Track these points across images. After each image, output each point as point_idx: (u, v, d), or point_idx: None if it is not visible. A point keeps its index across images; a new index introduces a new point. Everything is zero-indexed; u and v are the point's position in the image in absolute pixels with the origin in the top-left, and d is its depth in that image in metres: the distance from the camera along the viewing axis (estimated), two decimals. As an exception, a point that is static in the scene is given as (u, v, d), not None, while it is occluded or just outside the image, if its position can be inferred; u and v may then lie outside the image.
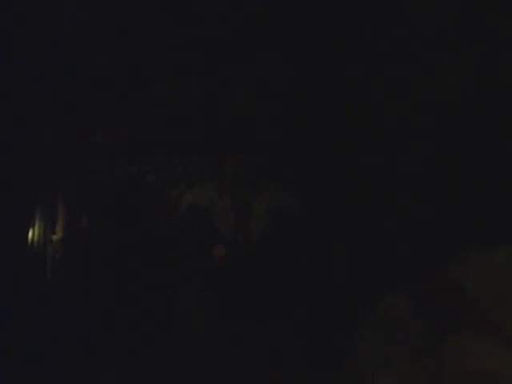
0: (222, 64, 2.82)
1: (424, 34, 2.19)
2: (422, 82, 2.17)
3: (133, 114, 3.05)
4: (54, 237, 2.97)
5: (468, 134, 1.93)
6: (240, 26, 2.72)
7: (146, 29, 2.76)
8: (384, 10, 2.33)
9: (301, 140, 2.64)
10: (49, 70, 2.60)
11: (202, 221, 2.52)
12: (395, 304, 1.36)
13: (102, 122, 3.05)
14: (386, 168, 2.18)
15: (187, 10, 2.69)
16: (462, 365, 1.09)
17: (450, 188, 1.89)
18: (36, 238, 2.89)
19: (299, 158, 2.65)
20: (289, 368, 1.89)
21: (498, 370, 1.07)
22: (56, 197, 3.01)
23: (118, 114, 3.05)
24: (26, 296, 2.34)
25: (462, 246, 1.53)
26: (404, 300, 1.35)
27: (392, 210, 2.06)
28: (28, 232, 2.82)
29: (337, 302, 2.06)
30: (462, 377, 1.09)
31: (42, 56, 2.55)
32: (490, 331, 1.13)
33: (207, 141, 3.03)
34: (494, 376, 1.06)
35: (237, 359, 1.94)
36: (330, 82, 2.55)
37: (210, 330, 2.08)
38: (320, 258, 2.29)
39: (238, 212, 2.56)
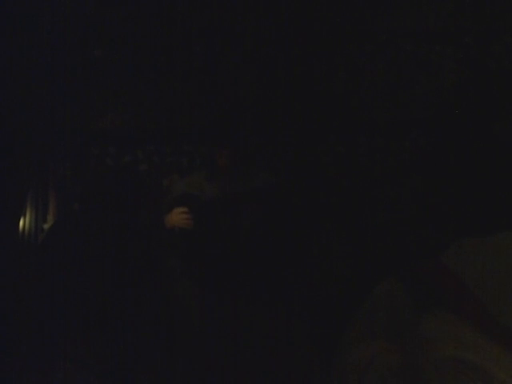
0: (218, 57, 2.81)
1: (422, 27, 2.19)
2: (420, 75, 2.18)
3: (126, 102, 3.04)
4: (46, 226, 2.96)
5: (465, 126, 1.93)
6: (237, 21, 2.72)
7: (145, 21, 2.75)
8: (383, 4, 2.33)
9: (295, 129, 2.64)
10: (44, 58, 2.59)
11: (192, 208, 2.52)
12: (388, 290, 1.35)
13: (95, 110, 3.04)
14: (383, 158, 2.19)
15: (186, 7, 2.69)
16: (438, 351, 1.09)
17: (445, 176, 1.89)
18: (27, 227, 2.88)
19: (293, 147, 2.65)
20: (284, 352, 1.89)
21: (478, 363, 1.06)
22: (47, 185, 2.99)
23: (112, 103, 3.04)
24: (18, 285, 2.33)
25: (457, 233, 1.54)
26: (397, 287, 1.35)
27: (388, 199, 2.07)
28: (19, 221, 2.80)
29: (330, 289, 2.06)
30: (437, 363, 1.08)
31: (38, 43, 2.54)
32: (481, 323, 1.12)
33: (200, 131, 3.03)
34: (473, 367, 1.05)
35: (231, 346, 1.95)
36: (325, 73, 2.55)
37: (204, 318, 2.09)
38: (313, 245, 2.29)
39: (228, 200, 2.56)
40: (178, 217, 2.49)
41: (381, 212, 2.09)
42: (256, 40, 2.73)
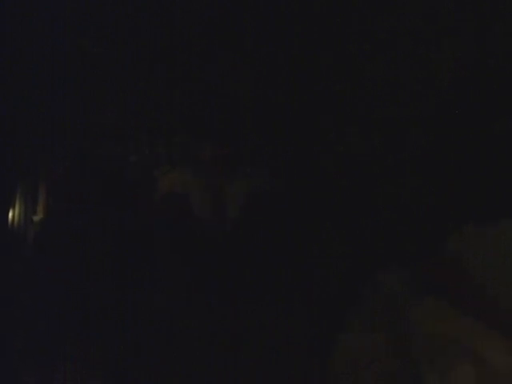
0: (216, 53, 2.79)
1: (421, 22, 2.18)
2: (419, 73, 2.17)
3: (118, 94, 3.01)
4: (35, 217, 2.92)
5: (465, 125, 1.93)
6: (236, 18, 2.69)
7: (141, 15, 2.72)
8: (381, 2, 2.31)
9: (293, 127, 2.62)
10: (36, 50, 2.56)
11: (178, 208, 2.49)
12: (386, 284, 1.35)
13: (86, 102, 3.01)
14: (383, 155, 2.17)
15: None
16: (425, 328, 1.09)
17: (447, 164, 1.89)
18: (16, 218, 2.84)
19: (291, 146, 2.63)
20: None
21: (461, 339, 1.06)
22: (37, 176, 2.96)
23: (104, 95, 3.01)
24: (6, 277, 2.31)
25: (460, 221, 1.53)
26: (395, 280, 1.34)
27: (387, 192, 2.06)
28: (8, 212, 2.77)
29: (329, 285, 2.05)
30: (424, 339, 1.08)
31: (33, 38, 2.51)
32: (483, 315, 1.12)
33: (186, 123, 3.00)
34: (456, 342, 1.05)
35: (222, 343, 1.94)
36: (324, 71, 2.53)
37: (203, 317, 2.07)
38: (305, 242, 2.27)
39: (213, 197, 2.54)
40: None
41: (380, 206, 2.08)
42: (255, 36, 2.70)
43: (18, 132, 2.61)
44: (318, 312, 1.91)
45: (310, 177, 2.42)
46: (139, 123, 3.07)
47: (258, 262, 2.15)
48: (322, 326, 1.82)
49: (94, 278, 2.12)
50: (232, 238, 2.35)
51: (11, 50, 2.39)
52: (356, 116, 2.30)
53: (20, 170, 2.76)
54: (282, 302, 1.97)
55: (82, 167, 2.79)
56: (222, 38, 2.72)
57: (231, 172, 2.58)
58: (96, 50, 2.75)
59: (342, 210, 2.23)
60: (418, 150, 2.05)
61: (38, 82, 2.62)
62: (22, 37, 2.44)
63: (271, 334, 1.88)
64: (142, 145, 3.18)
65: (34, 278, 2.19)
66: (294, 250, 2.17)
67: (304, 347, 1.84)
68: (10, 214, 2.78)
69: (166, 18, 2.75)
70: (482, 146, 1.83)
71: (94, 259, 2.18)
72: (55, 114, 2.79)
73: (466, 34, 2.01)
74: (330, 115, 2.40)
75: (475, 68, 1.97)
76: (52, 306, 2.04)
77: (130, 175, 2.92)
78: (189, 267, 2.25)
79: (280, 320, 1.90)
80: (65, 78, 2.70)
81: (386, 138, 2.17)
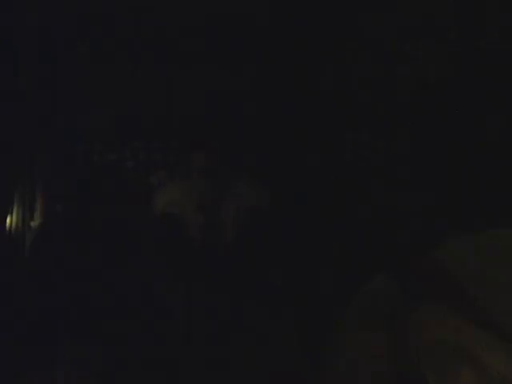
0: (211, 56, 2.79)
1: (411, 21, 2.18)
2: (409, 70, 2.17)
3: (113, 99, 3.02)
4: (33, 224, 2.92)
5: (456, 121, 1.93)
6: (231, 20, 2.70)
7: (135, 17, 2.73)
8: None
9: (278, 133, 2.62)
10: (36, 51, 2.57)
11: (172, 228, 2.48)
12: (381, 285, 1.34)
13: (81, 107, 3.01)
14: (377, 156, 2.18)
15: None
16: (425, 335, 1.08)
17: (437, 172, 1.89)
18: (14, 224, 2.85)
19: (276, 152, 2.63)
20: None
21: (463, 345, 1.06)
22: (35, 183, 2.96)
23: (98, 99, 3.02)
24: (5, 284, 2.30)
25: (449, 230, 1.53)
26: (390, 285, 1.34)
27: (377, 195, 2.07)
28: (6, 219, 2.78)
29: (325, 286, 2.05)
30: (424, 346, 1.08)
31: (33, 38, 2.52)
32: (483, 319, 1.11)
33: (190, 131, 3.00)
34: (457, 349, 1.05)
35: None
36: (314, 71, 2.54)
37: (191, 330, 2.07)
38: (304, 243, 2.27)
39: (207, 214, 2.53)
40: None
41: (379, 207, 2.08)
42: (249, 39, 2.71)
43: (18, 132, 2.61)
44: (317, 312, 1.91)
45: (308, 180, 2.43)
46: (137, 126, 3.08)
47: (258, 262, 2.15)
48: (321, 326, 1.82)
49: (93, 278, 2.11)
50: (231, 238, 2.35)
51: (11, 50, 2.39)
52: (355, 117, 2.31)
53: (18, 176, 2.77)
54: (281, 302, 1.97)
55: (80, 168, 2.80)
56: (221, 41, 2.73)
57: (227, 178, 2.58)
58: (95, 50, 2.76)
59: (341, 212, 2.23)
60: (415, 150, 2.05)
61: (37, 82, 2.63)
62: (22, 37, 2.45)
63: (270, 334, 1.88)
64: (139, 148, 3.19)
65: (34, 277, 2.18)
66: (293, 250, 2.17)
67: (302, 347, 1.83)
68: (8, 220, 2.79)
69: (165, 21, 2.76)
70: (481, 145, 1.83)
71: (93, 260, 2.18)
72: (53, 122, 2.80)
73: (461, 33, 2.02)
74: (325, 120, 2.41)
75: (472, 67, 1.98)
76: (52, 306, 2.03)
77: (127, 177, 2.92)
78: (188, 269, 2.25)
79: (279, 321, 1.90)
80: (65, 78, 2.71)
81: (385, 138, 2.17)
